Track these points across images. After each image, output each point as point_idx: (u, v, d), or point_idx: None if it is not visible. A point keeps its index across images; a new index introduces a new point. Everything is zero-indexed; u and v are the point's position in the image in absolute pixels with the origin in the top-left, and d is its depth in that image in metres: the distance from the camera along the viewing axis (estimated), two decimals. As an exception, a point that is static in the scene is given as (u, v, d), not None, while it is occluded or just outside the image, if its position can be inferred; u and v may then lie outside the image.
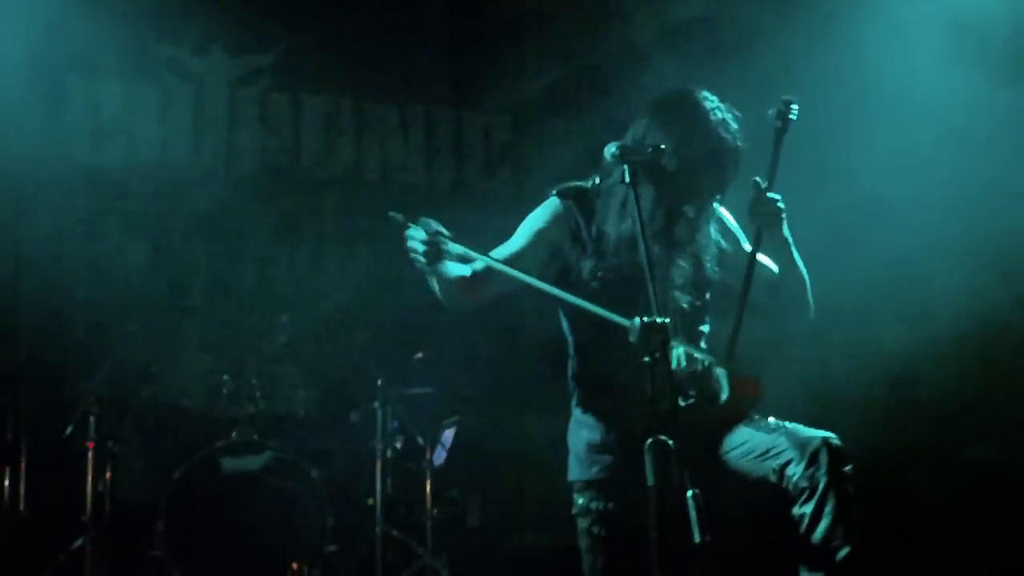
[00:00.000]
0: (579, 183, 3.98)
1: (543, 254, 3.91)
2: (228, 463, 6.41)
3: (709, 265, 3.94)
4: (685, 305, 3.86)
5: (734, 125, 3.81)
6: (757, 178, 3.83)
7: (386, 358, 6.96)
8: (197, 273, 7.70)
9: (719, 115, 3.80)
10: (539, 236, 3.92)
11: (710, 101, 3.82)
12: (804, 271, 3.95)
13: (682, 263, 3.87)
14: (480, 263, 3.78)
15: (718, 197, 3.96)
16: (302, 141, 8.15)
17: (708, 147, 3.76)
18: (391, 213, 3.66)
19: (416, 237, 3.63)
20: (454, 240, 3.63)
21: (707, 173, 3.79)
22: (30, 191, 7.24)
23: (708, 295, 4.01)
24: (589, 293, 3.77)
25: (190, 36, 7.89)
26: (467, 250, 3.64)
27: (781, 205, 3.83)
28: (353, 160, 8.23)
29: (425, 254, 3.63)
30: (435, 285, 3.79)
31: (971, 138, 6.43)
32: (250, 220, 7.89)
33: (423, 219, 3.64)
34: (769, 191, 3.82)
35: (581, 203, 3.93)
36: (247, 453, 6.49)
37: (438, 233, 3.63)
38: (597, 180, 3.93)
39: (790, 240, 3.90)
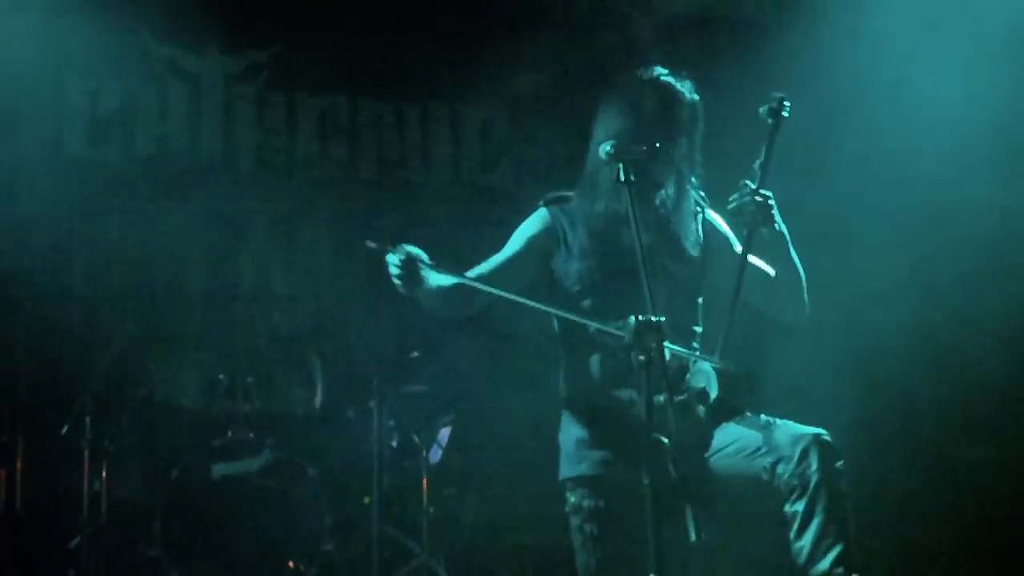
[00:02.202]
0: (565, 192, 4.06)
1: (535, 261, 4.01)
2: (220, 468, 6.44)
3: (690, 248, 3.94)
4: (676, 303, 3.85)
5: (686, 83, 3.92)
6: (747, 180, 3.83)
7: (382, 356, 6.96)
8: (193, 271, 7.69)
9: (662, 74, 3.91)
10: (530, 243, 4.02)
11: (658, 69, 3.93)
12: (800, 267, 3.94)
13: (668, 258, 3.88)
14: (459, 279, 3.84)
15: (695, 174, 3.97)
16: (297, 139, 8.13)
17: (657, 100, 3.84)
18: (368, 242, 3.73)
19: (393, 263, 3.67)
20: (432, 266, 3.71)
21: (664, 127, 3.82)
22: (27, 188, 7.23)
23: (700, 297, 4.02)
24: (575, 296, 3.90)
25: (186, 35, 7.87)
26: (446, 275, 3.74)
27: (772, 202, 3.82)
28: (348, 158, 8.22)
29: (401, 278, 3.68)
30: (422, 303, 3.87)
31: (971, 134, 6.43)
32: (246, 218, 7.88)
33: (400, 246, 3.70)
34: (761, 188, 3.82)
35: (566, 210, 4.01)
36: (243, 453, 6.50)
37: (414, 259, 3.68)
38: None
39: (786, 236, 3.89)
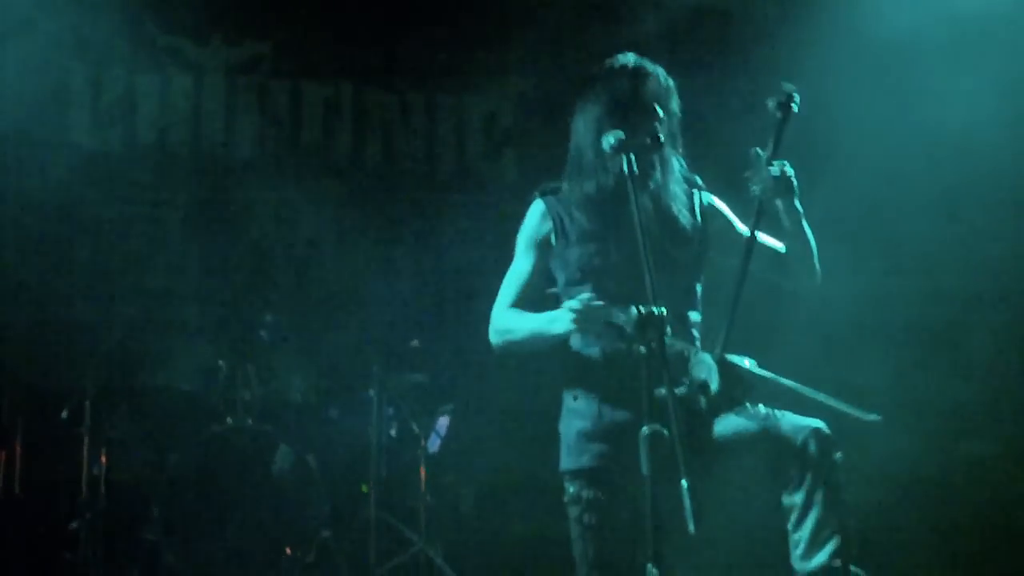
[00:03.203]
0: (558, 183, 4.08)
1: (546, 259, 4.03)
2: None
3: (686, 226, 3.96)
4: (676, 290, 3.87)
5: (659, 68, 3.95)
6: (757, 149, 3.83)
7: (382, 345, 6.97)
8: (195, 258, 7.71)
9: (634, 61, 3.94)
10: (537, 244, 4.04)
11: (626, 56, 3.97)
12: (812, 237, 3.95)
13: (667, 242, 3.89)
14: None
15: (677, 150, 3.99)
16: (301, 128, 8.15)
17: (628, 82, 3.87)
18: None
19: (573, 307, 3.72)
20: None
21: (639, 107, 3.85)
22: (30, 175, 7.24)
23: (698, 283, 4.03)
24: (575, 282, 3.93)
25: (190, 24, 7.88)
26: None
27: (790, 171, 3.82)
28: (353, 147, 8.24)
29: (579, 322, 3.71)
30: (539, 341, 3.92)
31: (978, 127, 6.43)
32: (249, 207, 7.89)
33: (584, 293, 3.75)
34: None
35: (561, 199, 4.03)
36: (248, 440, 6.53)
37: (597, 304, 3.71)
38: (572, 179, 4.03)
39: (800, 210, 3.90)
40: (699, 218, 4.02)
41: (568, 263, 3.97)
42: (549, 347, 3.94)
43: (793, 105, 3.84)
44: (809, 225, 3.91)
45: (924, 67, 6.41)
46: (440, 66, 8.21)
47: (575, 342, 3.96)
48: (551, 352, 3.97)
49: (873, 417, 3.62)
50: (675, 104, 3.98)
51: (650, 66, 3.95)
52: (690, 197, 4.04)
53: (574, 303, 3.69)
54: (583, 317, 3.69)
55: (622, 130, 3.72)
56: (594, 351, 3.91)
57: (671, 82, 3.97)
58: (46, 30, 7.24)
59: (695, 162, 4.11)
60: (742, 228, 3.99)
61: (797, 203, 3.87)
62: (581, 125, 3.96)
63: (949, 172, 6.46)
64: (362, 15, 8.01)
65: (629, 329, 3.28)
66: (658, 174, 3.95)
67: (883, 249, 6.59)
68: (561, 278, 4.01)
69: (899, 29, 6.46)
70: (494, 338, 4.06)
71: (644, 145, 3.76)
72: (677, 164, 4.02)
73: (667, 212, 3.95)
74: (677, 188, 4.00)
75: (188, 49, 7.96)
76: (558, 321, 3.78)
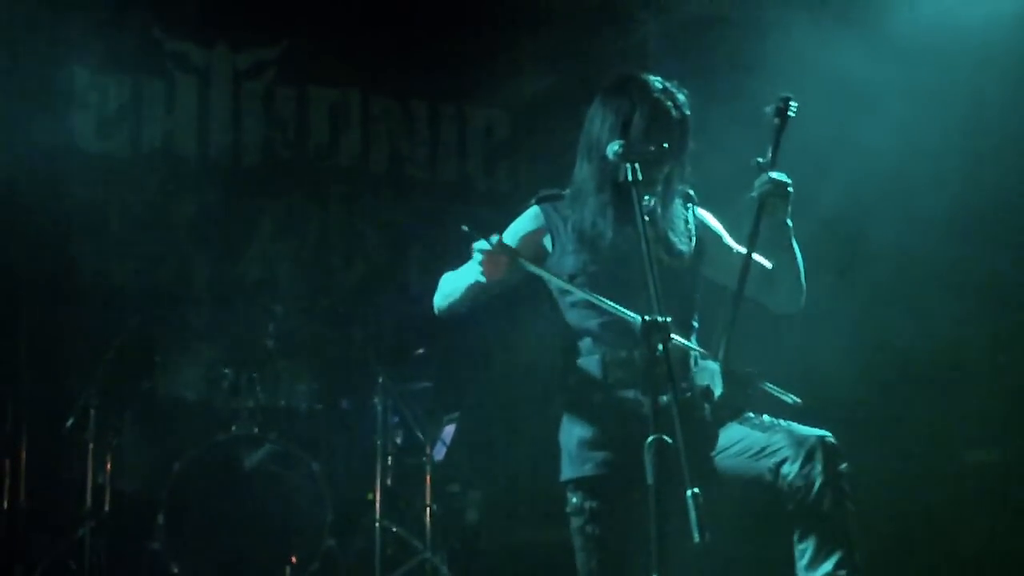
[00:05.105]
0: (556, 191, 4.03)
1: (529, 257, 3.91)
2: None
3: (681, 245, 3.94)
4: (673, 299, 3.83)
5: (680, 96, 3.85)
6: (759, 158, 3.82)
7: (387, 353, 6.97)
8: (200, 265, 7.71)
9: (659, 85, 3.85)
10: (523, 242, 3.96)
11: (653, 78, 3.88)
12: (800, 256, 3.94)
13: (661, 252, 3.85)
14: None
15: (683, 183, 3.97)
16: (308, 134, 8.16)
17: (651, 113, 3.78)
18: (463, 226, 3.67)
19: (481, 248, 3.65)
20: (522, 258, 3.68)
21: (657, 140, 3.77)
22: (34, 180, 7.24)
23: (697, 293, 4.01)
24: (568, 291, 3.86)
25: (196, 29, 7.89)
26: (530, 267, 3.69)
27: (787, 179, 3.81)
28: (359, 153, 8.24)
29: (488, 265, 3.65)
30: (461, 292, 3.85)
31: (981, 132, 6.41)
32: (255, 212, 7.89)
33: (494, 235, 3.67)
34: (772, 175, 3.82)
35: (559, 208, 3.98)
36: (248, 447, 6.51)
37: (507, 249, 3.67)
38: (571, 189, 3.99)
39: (790, 225, 3.89)
40: (693, 231, 4.00)
41: (562, 272, 3.93)
42: (472, 296, 3.85)
43: (790, 111, 3.83)
44: (800, 243, 3.91)
45: (927, 74, 6.39)
46: (442, 74, 8.20)
47: (575, 349, 3.94)
48: (477, 303, 3.90)
49: (792, 399, 3.64)
50: (686, 141, 3.89)
51: (667, 99, 3.84)
52: (685, 212, 4.02)
53: (482, 243, 3.63)
54: (490, 261, 3.63)
55: (630, 140, 3.70)
56: (595, 358, 3.88)
57: (687, 115, 3.85)
58: (51, 35, 7.24)
59: (697, 166, 4.08)
60: (732, 245, 3.99)
61: (789, 219, 3.85)
62: (589, 133, 3.91)
63: (958, 173, 6.44)
64: (368, 22, 8.01)
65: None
66: (660, 187, 3.92)
67: (888, 252, 6.57)
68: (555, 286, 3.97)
69: (902, 34, 6.45)
70: (435, 299, 4.02)
71: (648, 153, 3.71)
72: (677, 194, 3.99)
73: (663, 225, 3.92)
74: (672, 212, 3.97)
75: (195, 54, 7.97)
76: (472, 268, 3.73)
